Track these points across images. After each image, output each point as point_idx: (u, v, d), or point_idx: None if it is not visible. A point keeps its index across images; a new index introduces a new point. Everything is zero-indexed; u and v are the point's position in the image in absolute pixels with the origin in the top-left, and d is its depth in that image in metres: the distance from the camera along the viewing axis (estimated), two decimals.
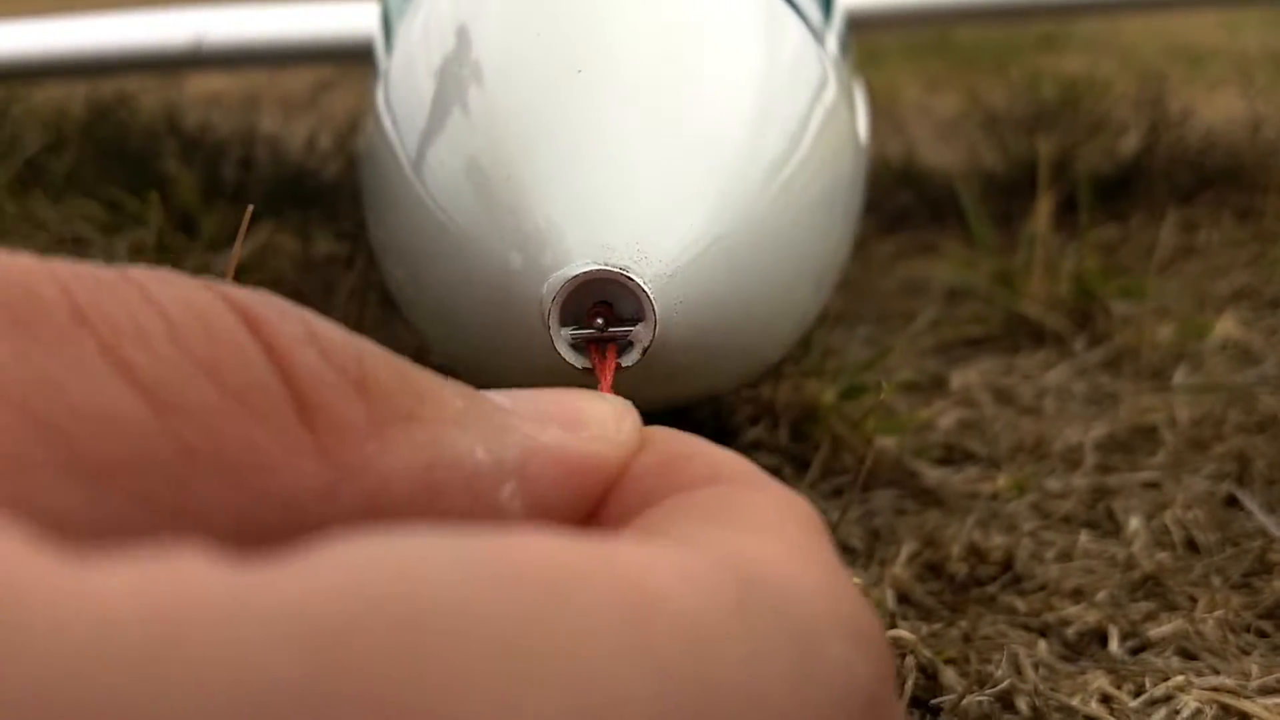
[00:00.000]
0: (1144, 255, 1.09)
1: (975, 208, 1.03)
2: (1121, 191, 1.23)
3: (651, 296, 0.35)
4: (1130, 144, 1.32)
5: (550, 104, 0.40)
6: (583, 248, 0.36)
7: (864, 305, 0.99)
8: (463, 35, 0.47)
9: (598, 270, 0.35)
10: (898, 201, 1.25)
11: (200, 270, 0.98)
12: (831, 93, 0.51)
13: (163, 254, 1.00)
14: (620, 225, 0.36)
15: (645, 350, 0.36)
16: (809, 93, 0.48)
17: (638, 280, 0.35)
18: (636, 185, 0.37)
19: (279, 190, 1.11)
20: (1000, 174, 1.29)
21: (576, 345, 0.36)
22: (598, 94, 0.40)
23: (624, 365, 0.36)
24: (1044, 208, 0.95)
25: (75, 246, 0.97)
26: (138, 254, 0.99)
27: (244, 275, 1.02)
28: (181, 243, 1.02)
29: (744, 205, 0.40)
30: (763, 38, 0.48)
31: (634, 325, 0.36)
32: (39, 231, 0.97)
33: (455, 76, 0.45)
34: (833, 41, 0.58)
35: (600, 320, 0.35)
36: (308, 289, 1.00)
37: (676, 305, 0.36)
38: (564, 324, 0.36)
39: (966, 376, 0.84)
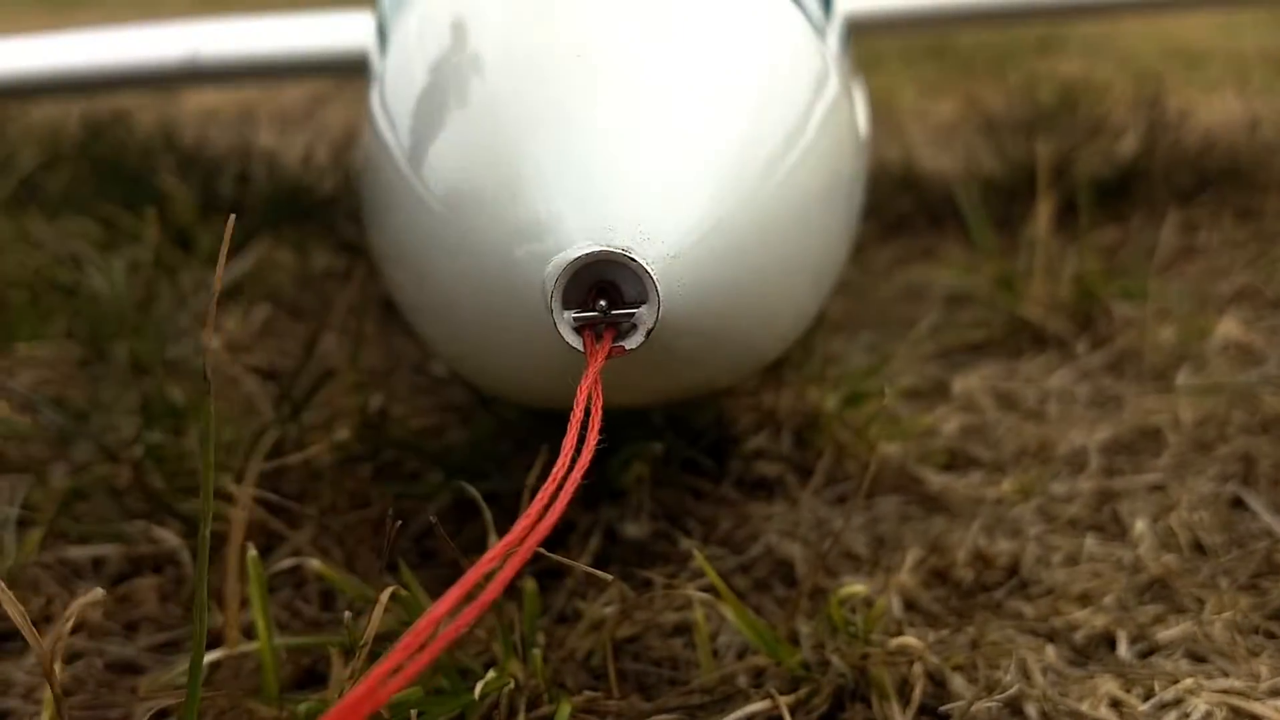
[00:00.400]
0: (1145, 257, 1.09)
1: (975, 212, 1.02)
2: (1121, 193, 1.22)
3: (655, 277, 0.35)
4: (1129, 146, 1.31)
5: (549, 89, 0.40)
6: (585, 231, 0.35)
7: (865, 311, 0.99)
8: (459, 26, 0.47)
9: (601, 252, 0.34)
10: (897, 206, 1.24)
11: (197, 286, 0.98)
12: (832, 86, 0.50)
13: (160, 271, 1.00)
14: (622, 208, 0.36)
15: (649, 332, 0.35)
16: (809, 84, 0.47)
17: (641, 261, 0.35)
18: (638, 169, 0.37)
19: (276, 205, 1.11)
20: (999, 178, 1.29)
21: (580, 330, 0.35)
22: (597, 78, 0.39)
23: (628, 348, 0.35)
24: (1044, 211, 0.95)
25: (72, 265, 0.96)
26: (135, 271, 0.99)
27: (242, 290, 1.01)
28: (178, 259, 1.02)
29: (747, 191, 0.39)
30: (764, 26, 0.48)
31: (638, 308, 0.35)
32: (35, 250, 0.97)
33: (452, 68, 0.45)
34: (833, 38, 0.58)
35: (603, 303, 0.35)
36: (305, 303, 1.00)
37: (679, 287, 0.36)
38: (567, 307, 0.35)
39: (969, 381, 0.83)
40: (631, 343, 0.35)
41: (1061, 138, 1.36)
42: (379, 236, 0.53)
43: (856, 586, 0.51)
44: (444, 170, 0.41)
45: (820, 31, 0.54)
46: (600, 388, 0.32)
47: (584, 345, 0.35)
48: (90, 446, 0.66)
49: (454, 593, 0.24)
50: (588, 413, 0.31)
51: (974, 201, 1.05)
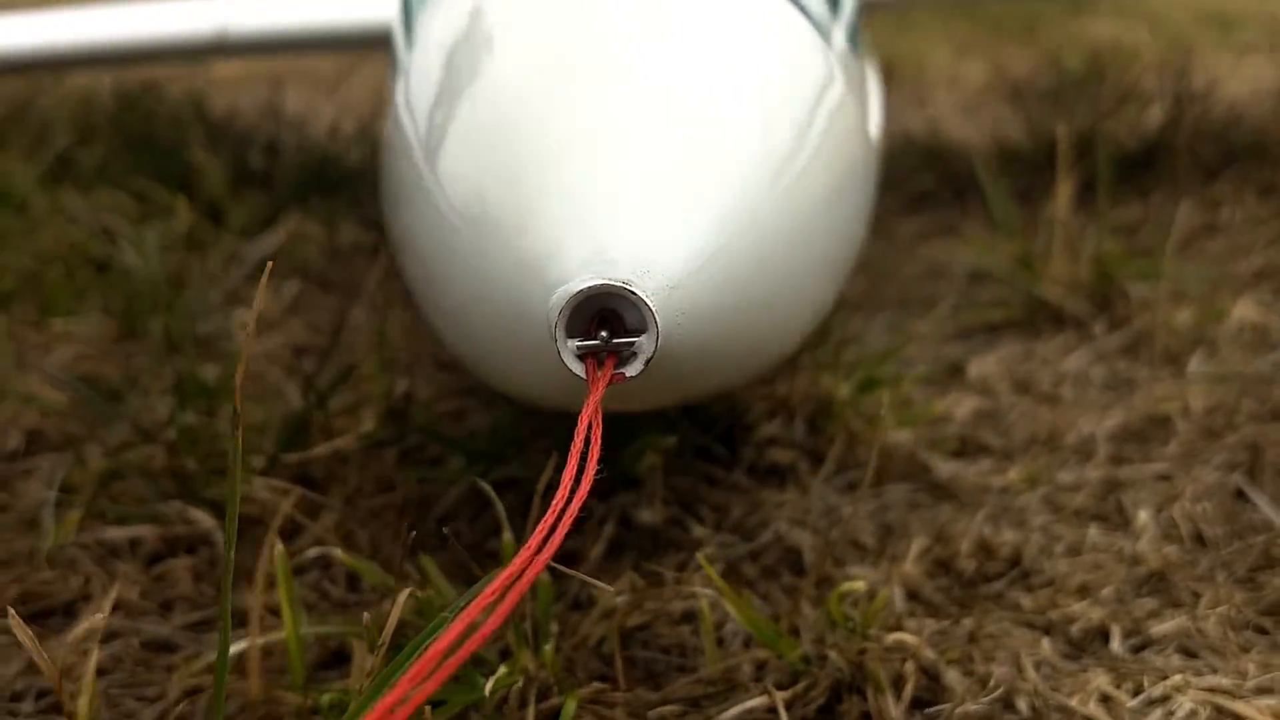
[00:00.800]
0: (1166, 234, 1.09)
1: (996, 188, 1.03)
2: (1146, 167, 1.22)
3: (654, 310, 0.36)
4: (1155, 118, 1.31)
5: (554, 122, 0.41)
6: (587, 264, 0.37)
7: (885, 289, 1.00)
8: (477, 43, 0.48)
9: (601, 285, 0.36)
10: (922, 179, 1.25)
11: (228, 260, 1.00)
12: (837, 92, 0.51)
13: (192, 246, 1.02)
14: (623, 239, 0.37)
15: (649, 361, 0.37)
16: (812, 95, 0.48)
17: (640, 294, 0.36)
18: (638, 201, 0.38)
19: (305, 177, 1.13)
20: (1025, 148, 1.29)
21: (583, 357, 0.37)
22: (601, 108, 0.41)
23: (628, 375, 0.37)
24: (1064, 192, 0.95)
25: (105, 239, 0.99)
26: (167, 244, 1.01)
27: (273, 263, 1.03)
28: (210, 233, 1.04)
29: (747, 214, 0.41)
30: (764, 43, 0.49)
31: (638, 336, 0.37)
32: (70, 225, 0.99)
33: (470, 85, 0.46)
34: (840, 36, 0.58)
35: (604, 334, 0.37)
36: (335, 277, 1.02)
37: (679, 316, 0.37)
38: (571, 335, 0.37)
39: (985, 363, 0.84)
40: (632, 370, 0.37)
41: (1089, 107, 1.36)
42: (395, 224, 0.54)
43: (857, 582, 0.52)
44: (459, 182, 0.43)
45: (825, 32, 0.55)
46: (600, 416, 0.34)
47: (586, 372, 0.36)
48: (125, 427, 0.69)
49: (457, 626, 0.26)
50: (588, 441, 0.33)
51: (997, 175, 1.05)
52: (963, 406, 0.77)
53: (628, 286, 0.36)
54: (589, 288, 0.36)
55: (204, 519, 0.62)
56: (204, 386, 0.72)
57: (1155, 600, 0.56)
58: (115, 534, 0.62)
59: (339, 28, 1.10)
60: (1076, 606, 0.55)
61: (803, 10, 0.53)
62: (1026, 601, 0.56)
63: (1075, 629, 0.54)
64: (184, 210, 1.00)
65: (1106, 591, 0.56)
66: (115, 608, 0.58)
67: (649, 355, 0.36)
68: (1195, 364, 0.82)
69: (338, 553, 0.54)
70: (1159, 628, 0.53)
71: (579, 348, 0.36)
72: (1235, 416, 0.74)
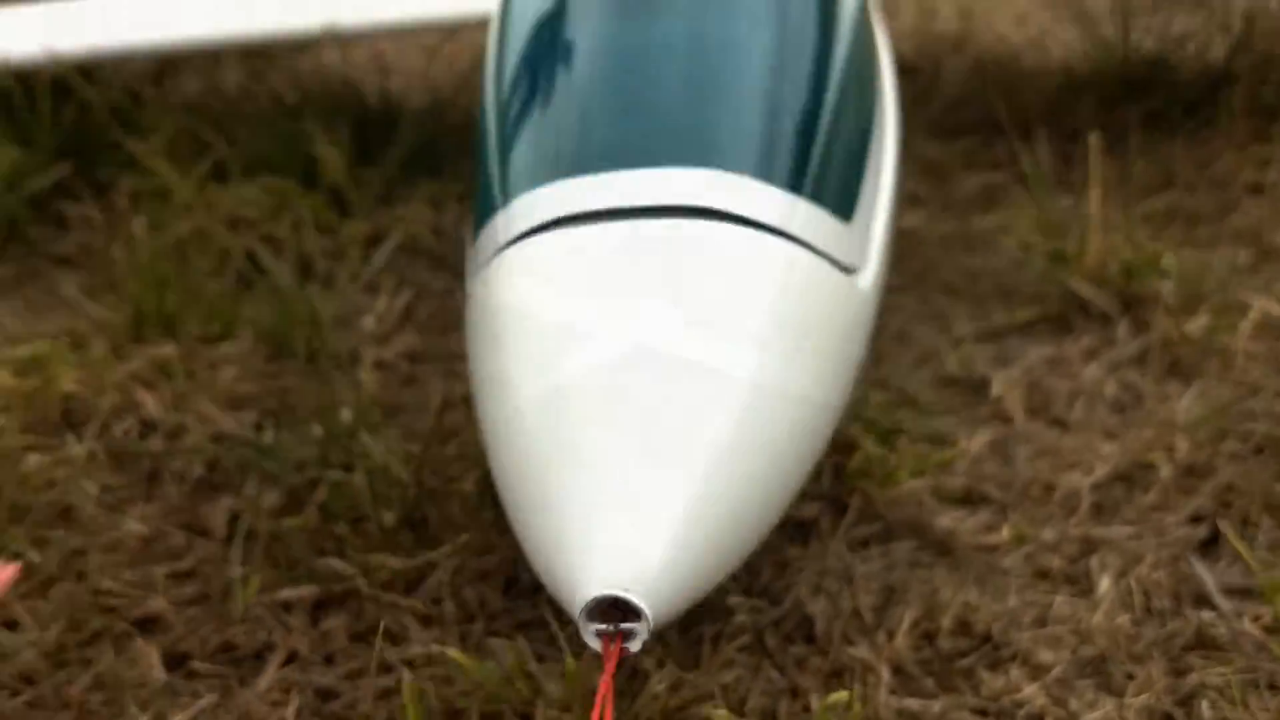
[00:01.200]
0: (1211, 198, 1.15)
1: (1036, 177, 1.10)
2: (1208, 106, 1.26)
3: (646, 610, 0.51)
4: (1222, 42, 1.33)
5: (569, 431, 0.55)
6: (601, 562, 0.51)
7: (932, 272, 1.09)
8: (524, 336, 0.60)
9: (605, 596, 0.50)
10: (981, 128, 1.30)
11: (354, 247, 1.13)
12: (806, 287, 0.61)
13: (320, 228, 1.16)
14: (620, 549, 0.50)
15: (644, 641, 0.51)
16: (780, 328, 0.58)
17: (634, 600, 0.50)
18: (626, 515, 0.52)
19: (414, 155, 1.24)
20: (1102, 74, 1.32)
21: (600, 634, 0.52)
22: (598, 442, 0.54)
23: (632, 650, 0.52)
24: (1095, 194, 1.03)
25: (248, 240, 1.13)
26: (297, 231, 1.15)
27: (380, 242, 1.16)
28: (334, 221, 1.18)
29: (724, 492, 0.54)
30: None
31: (637, 623, 0.51)
32: (219, 229, 1.13)
33: (523, 373, 0.59)
34: (804, 211, 0.63)
35: (610, 625, 0.51)
36: (447, 254, 1.15)
37: (669, 605, 0.52)
38: (591, 620, 0.51)
39: (1009, 376, 0.95)
40: (634, 647, 0.51)
41: (1163, 23, 1.37)
42: (479, 398, 0.66)
43: (842, 694, 0.67)
44: (520, 444, 0.56)
45: (794, 232, 0.62)
46: (613, 692, 0.49)
47: (603, 647, 0.51)
48: (282, 489, 0.86)
49: None
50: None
51: (1038, 154, 1.12)
52: (977, 439, 0.89)
53: (625, 595, 0.50)
54: (597, 597, 0.50)
55: (354, 575, 0.79)
56: (343, 433, 0.88)
57: (1094, 684, 0.70)
58: (288, 594, 0.79)
59: (444, 15, 1.19)
60: (1027, 690, 0.69)
61: (759, 226, 0.60)
62: (988, 684, 0.70)
63: (1020, 717, 0.68)
64: (310, 208, 1.14)
65: (1055, 674, 0.70)
66: (291, 660, 0.76)
67: (645, 638, 0.51)
68: (1189, 397, 0.92)
69: (451, 652, 0.71)
70: (1088, 717, 0.68)
71: (597, 630, 0.51)
72: (1216, 458, 0.85)
